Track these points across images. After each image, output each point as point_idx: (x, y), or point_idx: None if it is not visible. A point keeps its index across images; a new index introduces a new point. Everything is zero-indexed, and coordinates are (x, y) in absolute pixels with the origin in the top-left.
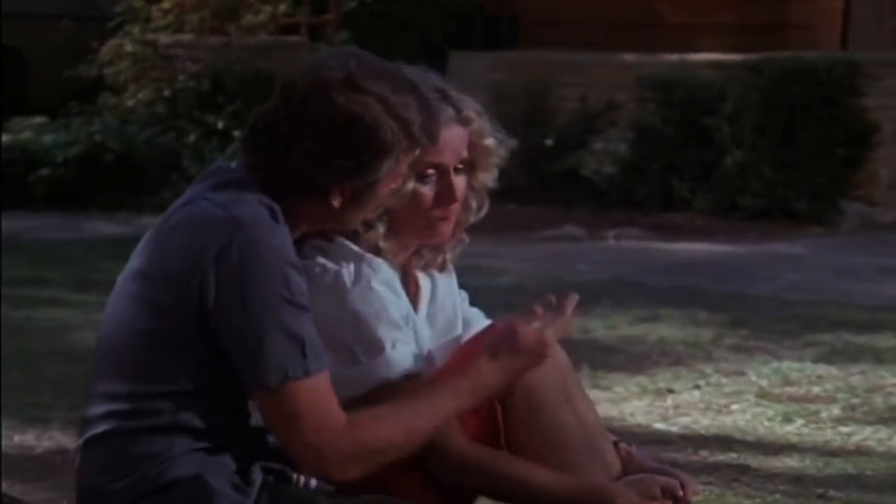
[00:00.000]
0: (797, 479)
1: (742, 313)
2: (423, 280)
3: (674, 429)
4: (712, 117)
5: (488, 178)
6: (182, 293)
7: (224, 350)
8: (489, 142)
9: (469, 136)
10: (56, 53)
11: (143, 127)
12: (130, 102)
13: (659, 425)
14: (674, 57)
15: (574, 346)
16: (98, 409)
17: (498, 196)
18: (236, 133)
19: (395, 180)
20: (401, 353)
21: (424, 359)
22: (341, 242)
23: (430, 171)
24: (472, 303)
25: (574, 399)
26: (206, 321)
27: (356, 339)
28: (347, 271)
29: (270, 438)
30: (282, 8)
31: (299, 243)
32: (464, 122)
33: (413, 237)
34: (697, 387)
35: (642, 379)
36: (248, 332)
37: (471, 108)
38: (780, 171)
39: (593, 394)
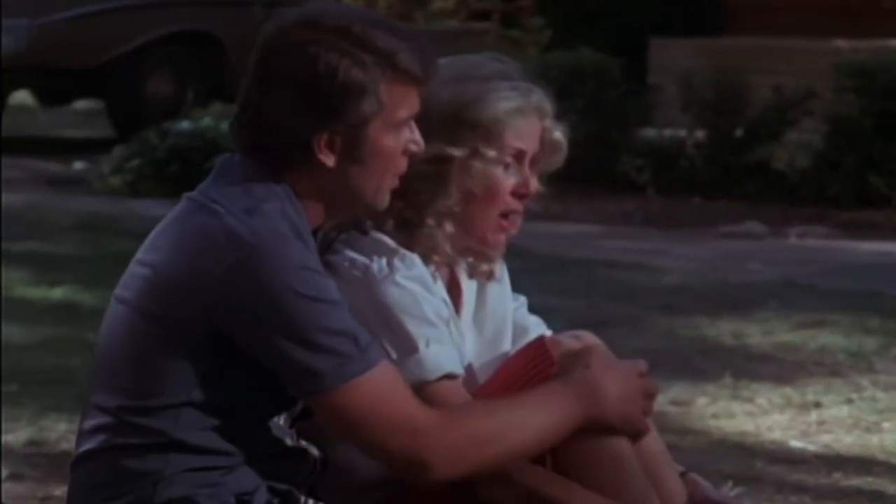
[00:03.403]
0: None
1: None
2: (468, 284)
3: (812, 447)
4: None
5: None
6: (185, 307)
7: (239, 367)
8: (558, 136)
9: (541, 131)
10: (250, 40)
11: None
12: None
13: (796, 442)
14: (889, 43)
15: (722, 353)
16: (89, 423)
17: (681, 188)
18: None
19: (400, 133)
20: (435, 352)
21: (465, 369)
22: (375, 236)
23: (510, 159)
24: (626, 301)
25: None
26: (219, 339)
27: (387, 336)
28: (378, 265)
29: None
30: None
31: (331, 237)
32: (541, 113)
33: (478, 237)
34: (849, 401)
35: (789, 391)
36: (294, 346)
37: (546, 99)
38: None
39: (730, 406)
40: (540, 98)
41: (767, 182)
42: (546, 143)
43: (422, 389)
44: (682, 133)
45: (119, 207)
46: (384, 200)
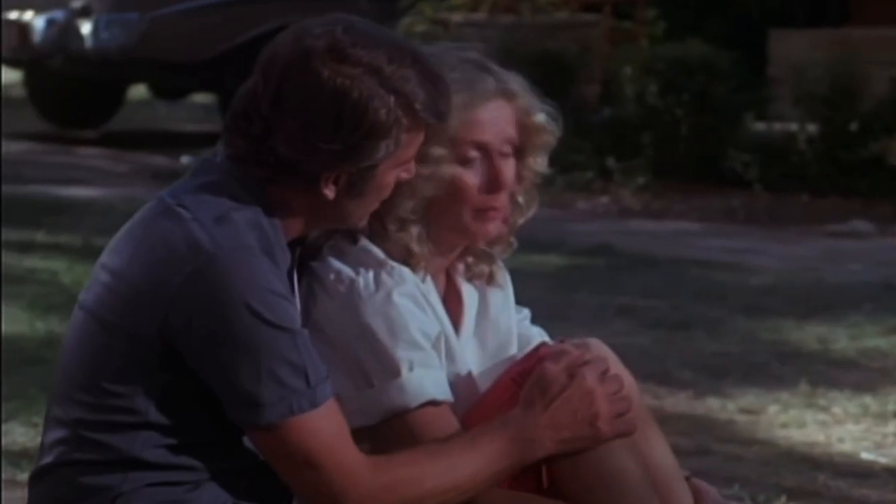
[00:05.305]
0: None
1: None
2: (469, 293)
3: (883, 460)
4: None
5: (539, 163)
6: (142, 319)
7: (200, 384)
8: (539, 118)
9: (515, 115)
10: None
11: None
12: None
13: (867, 455)
14: None
15: (802, 359)
16: (48, 436)
17: (790, 185)
18: None
19: (402, 167)
20: (419, 377)
21: (463, 383)
22: (364, 246)
23: (473, 153)
24: (712, 302)
25: (636, 435)
26: (174, 353)
27: (369, 358)
28: (364, 280)
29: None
30: None
31: (319, 242)
32: (507, 96)
33: (456, 236)
34: None
35: (868, 399)
36: (239, 367)
37: (515, 82)
38: None
39: (803, 415)
40: (503, 81)
41: (882, 179)
42: (527, 127)
43: (402, 417)
44: (794, 127)
45: None
46: (365, 221)
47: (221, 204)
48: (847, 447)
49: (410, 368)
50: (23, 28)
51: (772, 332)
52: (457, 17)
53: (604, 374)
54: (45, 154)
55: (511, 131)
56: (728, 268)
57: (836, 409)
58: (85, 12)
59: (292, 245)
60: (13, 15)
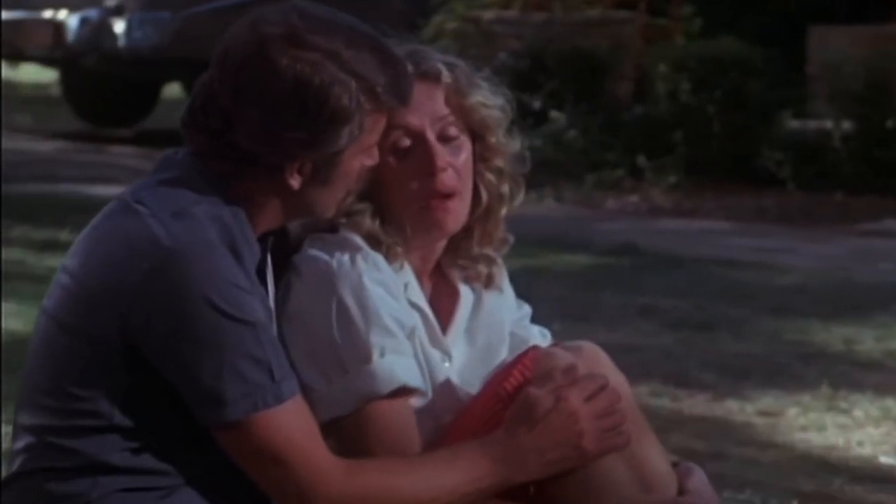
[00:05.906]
0: None
1: None
2: (466, 292)
3: None
4: None
5: (503, 143)
6: (101, 319)
7: (165, 384)
8: (474, 99)
9: (445, 95)
10: (390, 33)
11: None
12: None
13: (886, 458)
14: None
15: (825, 360)
16: (16, 443)
17: (824, 184)
18: (553, 113)
19: (367, 153)
20: (390, 363)
21: (445, 385)
22: (343, 235)
23: (406, 141)
24: (737, 302)
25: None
26: (136, 352)
27: (340, 342)
28: (339, 260)
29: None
30: None
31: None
32: (430, 78)
33: (420, 233)
34: None
35: (890, 402)
36: (201, 363)
37: (441, 60)
38: None
39: (823, 417)
40: (424, 64)
41: None
42: (461, 106)
43: (372, 404)
44: (829, 125)
45: None
46: (333, 211)
47: (181, 199)
48: (866, 451)
49: (382, 354)
50: (57, 27)
51: (797, 333)
52: (488, 15)
53: (598, 391)
54: (79, 153)
55: (443, 112)
56: (756, 267)
57: (857, 412)
58: (118, 11)
59: (263, 238)
60: (47, 14)
